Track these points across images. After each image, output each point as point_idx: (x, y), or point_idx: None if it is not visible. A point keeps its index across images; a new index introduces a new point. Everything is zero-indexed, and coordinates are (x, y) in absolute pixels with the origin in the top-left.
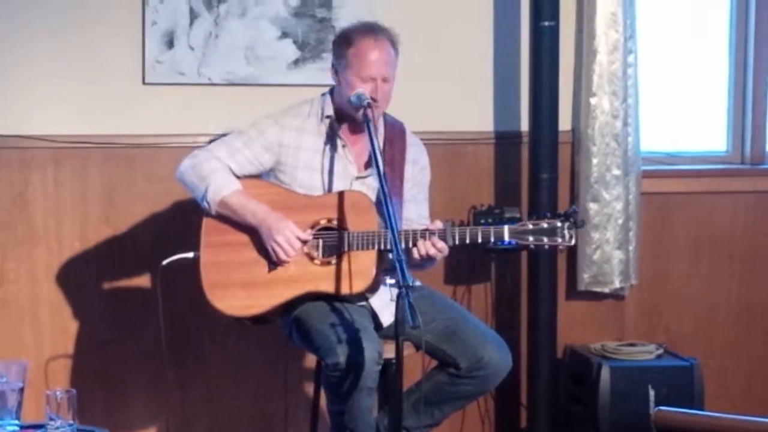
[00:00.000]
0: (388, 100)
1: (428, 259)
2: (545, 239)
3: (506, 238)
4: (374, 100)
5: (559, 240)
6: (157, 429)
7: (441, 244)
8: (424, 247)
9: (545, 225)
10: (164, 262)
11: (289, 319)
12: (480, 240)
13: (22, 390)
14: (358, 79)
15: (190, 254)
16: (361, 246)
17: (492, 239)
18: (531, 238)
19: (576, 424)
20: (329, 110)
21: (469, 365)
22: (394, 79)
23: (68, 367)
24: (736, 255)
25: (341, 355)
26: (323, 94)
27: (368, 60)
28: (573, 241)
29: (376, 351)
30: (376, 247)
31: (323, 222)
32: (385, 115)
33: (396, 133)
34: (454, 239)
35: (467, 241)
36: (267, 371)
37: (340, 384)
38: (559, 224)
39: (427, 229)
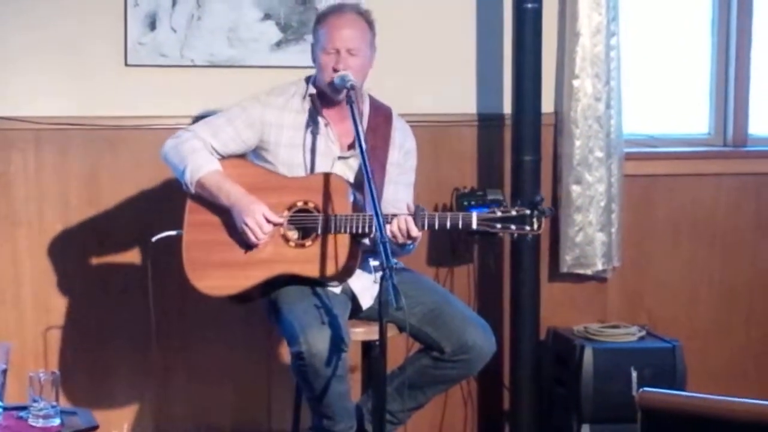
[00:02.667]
0: (357, 74)
1: (402, 246)
2: (513, 227)
3: (474, 225)
4: (335, 70)
5: (527, 228)
6: (139, 411)
7: (414, 231)
8: (396, 224)
9: (513, 213)
10: (153, 239)
11: (266, 301)
12: (448, 226)
13: (5, 372)
14: (323, 53)
15: (175, 232)
16: (337, 229)
17: (460, 226)
18: (498, 226)
19: (559, 406)
20: (312, 90)
21: (453, 349)
22: (368, 54)
23: (51, 348)
24: (719, 237)
25: (303, 344)
26: (309, 77)
27: (330, 32)
28: (541, 230)
29: (342, 339)
30: (351, 230)
31: (300, 204)
32: (371, 98)
33: (381, 116)
34: (423, 223)
35: (436, 227)
36: (251, 356)
37: (306, 372)
38: (527, 212)
39: (395, 215)
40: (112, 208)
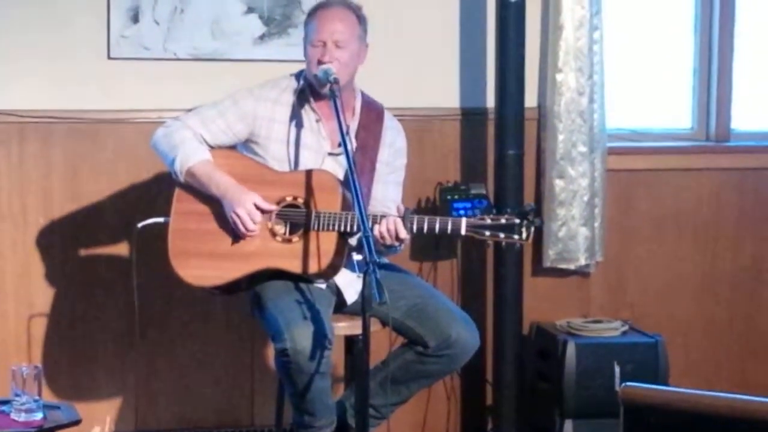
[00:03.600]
0: (344, 67)
1: (388, 247)
2: (501, 235)
3: (463, 231)
4: (321, 62)
5: (516, 237)
6: (123, 404)
7: (403, 233)
8: (386, 225)
9: (503, 221)
10: (140, 225)
11: (251, 295)
12: (437, 231)
13: None
14: (310, 45)
15: (162, 219)
16: (324, 226)
17: (449, 231)
18: (487, 233)
19: (542, 401)
20: (303, 85)
21: (437, 344)
22: (356, 48)
23: (34, 342)
24: (701, 232)
25: (288, 340)
26: (300, 71)
27: (318, 25)
28: (529, 240)
29: (325, 336)
30: (338, 228)
31: (289, 199)
32: (363, 96)
33: (373, 114)
34: (411, 227)
35: (425, 230)
36: (235, 350)
37: (289, 368)
38: (517, 221)
39: (384, 215)
40: (96, 201)
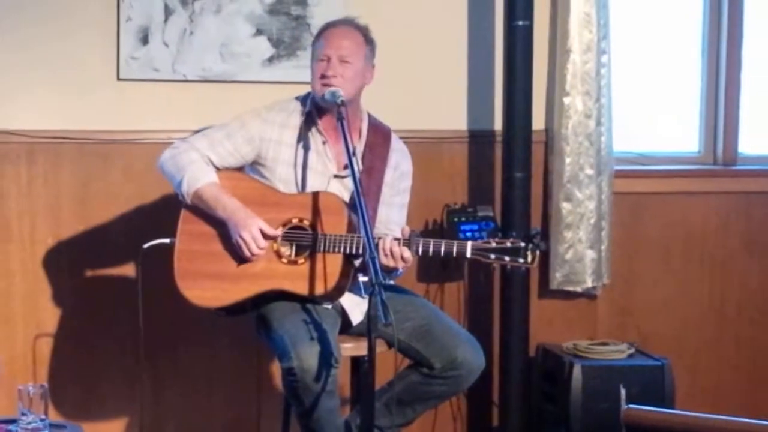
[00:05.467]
0: (347, 83)
1: (390, 271)
2: (507, 259)
3: (468, 254)
4: (324, 76)
5: (521, 261)
6: (129, 425)
7: (407, 254)
8: (389, 247)
9: (508, 245)
10: (145, 246)
11: (256, 316)
12: (443, 254)
13: None
14: (316, 62)
15: (168, 240)
16: (330, 248)
17: (454, 254)
18: (493, 257)
19: (548, 423)
20: (310, 107)
21: (443, 365)
22: (361, 67)
23: (41, 362)
24: (708, 255)
25: (295, 359)
26: (308, 93)
27: (323, 41)
28: (535, 264)
29: (332, 355)
30: (344, 250)
31: (295, 221)
32: (370, 118)
33: (379, 136)
34: (417, 249)
35: (430, 253)
36: (240, 370)
37: (296, 388)
38: (522, 245)
39: (380, 238)
40: (104, 222)
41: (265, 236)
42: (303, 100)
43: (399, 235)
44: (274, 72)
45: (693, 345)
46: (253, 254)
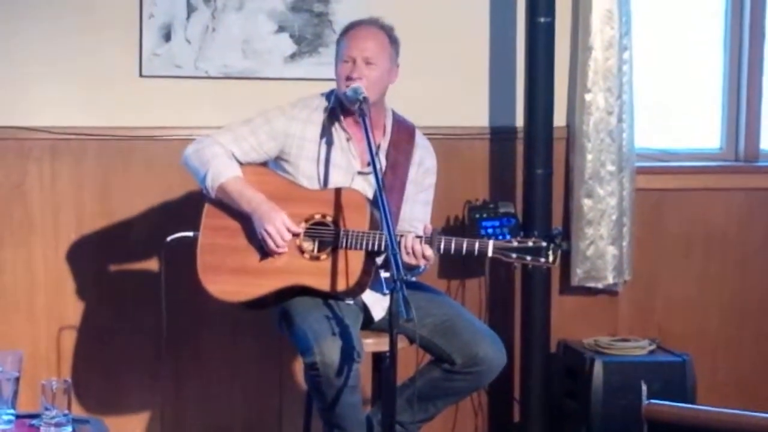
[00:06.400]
0: (372, 85)
1: (412, 267)
2: (528, 258)
3: (490, 253)
4: (349, 78)
5: (542, 260)
6: (151, 419)
7: (429, 252)
8: (411, 244)
9: (530, 244)
10: (169, 238)
11: (278, 310)
12: (464, 252)
13: (17, 380)
14: (341, 63)
15: (191, 233)
16: (352, 245)
17: (476, 253)
18: (514, 256)
19: (569, 419)
20: (334, 103)
21: (464, 361)
22: (386, 68)
23: (64, 356)
24: (730, 251)
25: (317, 354)
26: (332, 90)
27: (349, 43)
28: (556, 264)
29: (354, 350)
30: (366, 247)
31: (317, 217)
32: (394, 115)
33: (404, 133)
34: (439, 247)
35: (452, 251)
36: (262, 365)
37: (319, 382)
38: (544, 244)
39: (403, 236)
40: (126, 217)
41: (289, 231)
42: (327, 96)
43: (422, 233)
44: (296, 69)
45: (714, 341)
46: (277, 247)
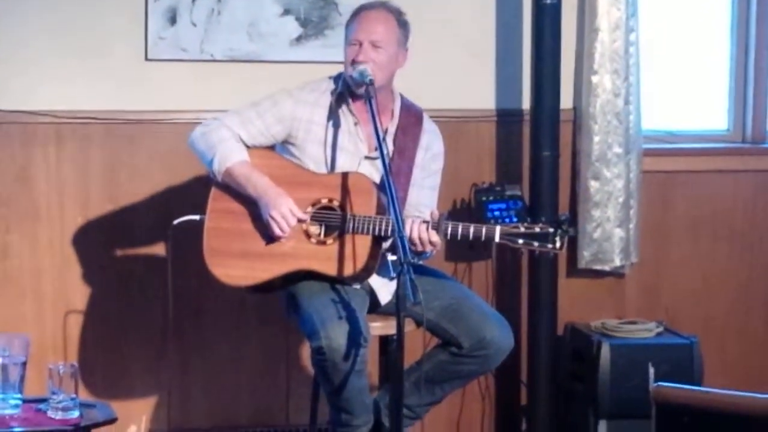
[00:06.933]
0: (379, 69)
1: (420, 253)
2: (535, 244)
3: (497, 239)
4: (355, 61)
5: (549, 246)
6: (158, 403)
7: (435, 237)
8: (417, 230)
9: (537, 230)
10: (175, 222)
11: (285, 294)
12: (471, 238)
13: (24, 364)
14: (348, 45)
15: (198, 217)
16: (358, 230)
17: (483, 238)
18: (521, 242)
19: (576, 402)
20: (342, 87)
21: (471, 344)
22: (394, 51)
23: (71, 341)
24: (737, 234)
25: (324, 338)
26: (340, 73)
27: (356, 25)
28: (563, 249)
29: (361, 334)
30: (373, 232)
31: (324, 201)
32: (402, 99)
33: (412, 117)
34: (446, 232)
35: (458, 237)
36: (269, 349)
37: (325, 367)
38: (551, 230)
39: (422, 220)
40: (132, 202)
41: (295, 217)
42: (335, 79)
43: (428, 218)
44: (302, 52)
45: (721, 323)
46: (283, 232)
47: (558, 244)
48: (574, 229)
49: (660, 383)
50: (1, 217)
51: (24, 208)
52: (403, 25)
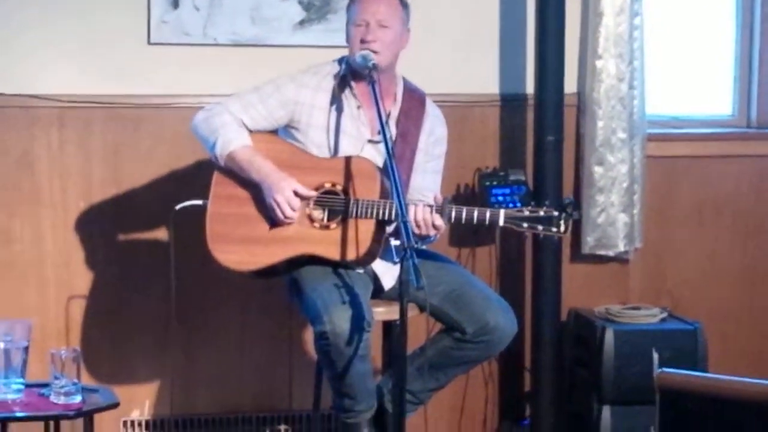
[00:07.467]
0: (386, 48)
1: (423, 237)
2: (540, 227)
3: (501, 223)
4: (363, 41)
5: (554, 230)
6: (161, 388)
7: (439, 221)
8: (421, 214)
9: (541, 213)
10: (177, 207)
11: (288, 279)
12: (475, 222)
13: (26, 349)
14: (354, 26)
15: (200, 201)
16: (362, 214)
17: (487, 222)
18: (525, 225)
19: (580, 388)
20: (345, 71)
21: (474, 330)
22: (399, 31)
23: (73, 326)
24: (741, 219)
25: (327, 323)
26: (343, 57)
27: (360, 6)
28: (567, 233)
29: (364, 319)
30: (376, 215)
31: (327, 185)
32: (405, 83)
33: (415, 101)
34: (450, 216)
35: (462, 221)
36: (272, 334)
37: (329, 351)
38: (555, 214)
39: (425, 204)
40: (135, 186)
41: (300, 196)
42: (338, 63)
43: (432, 202)
44: (305, 36)
45: (725, 309)
46: (286, 216)
47: (562, 228)
48: (578, 213)
49: (664, 369)
50: (4, 202)
51: (26, 192)
52: (405, 5)
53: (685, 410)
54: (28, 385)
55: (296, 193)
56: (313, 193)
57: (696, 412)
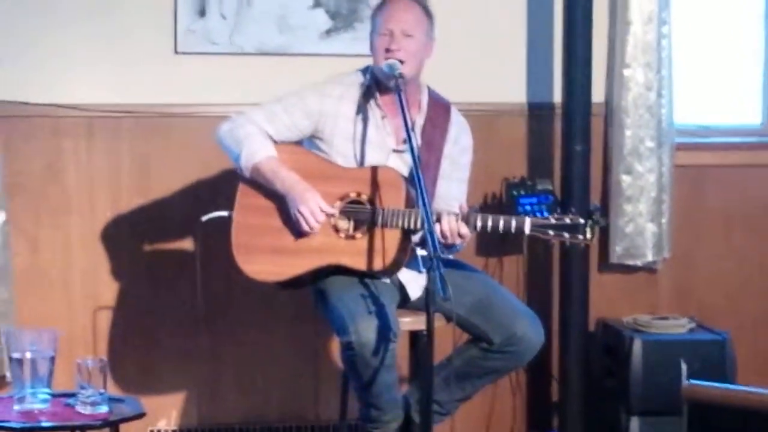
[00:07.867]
0: (412, 58)
1: (450, 246)
2: (566, 235)
3: (527, 231)
4: (388, 50)
5: (580, 237)
6: (187, 398)
7: (464, 230)
8: (447, 223)
9: (568, 221)
10: (203, 218)
11: (314, 290)
12: (501, 230)
13: (53, 359)
14: (378, 36)
15: (226, 213)
16: (388, 224)
17: (513, 230)
18: (551, 233)
19: (608, 398)
20: (370, 81)
21: (502, 340)
22: (423, 41)
23: (100, 335)
24: None
25: (353, 333)
26: (367, 66)
27: (385, 16)
28: (594, 240)
29: (390, 329)
30: (402, 225)
31: (353, 195)
32: (430, 91)
33: (440, 109)
34: (476, 224)
35: (488, 229)
36: (298, 344)
37: (355, 362)
38: (581, 221)
39: (450, 213)
40: (162, 196)
41: (323, 212)
42: (362, 72)
43: (458, 211)
44: (332, 45)
45: (754, 319)
46: (311, 228)
47: (589, 235)
48: (605, 220)
49: (692, 381)
50: (32, 211)
51: (54, 202)
52: (429, 15)
53: (713, 422)
54: (54, 395)
55: (320, 207)
56: (335, 210)
57: (723, 424)
